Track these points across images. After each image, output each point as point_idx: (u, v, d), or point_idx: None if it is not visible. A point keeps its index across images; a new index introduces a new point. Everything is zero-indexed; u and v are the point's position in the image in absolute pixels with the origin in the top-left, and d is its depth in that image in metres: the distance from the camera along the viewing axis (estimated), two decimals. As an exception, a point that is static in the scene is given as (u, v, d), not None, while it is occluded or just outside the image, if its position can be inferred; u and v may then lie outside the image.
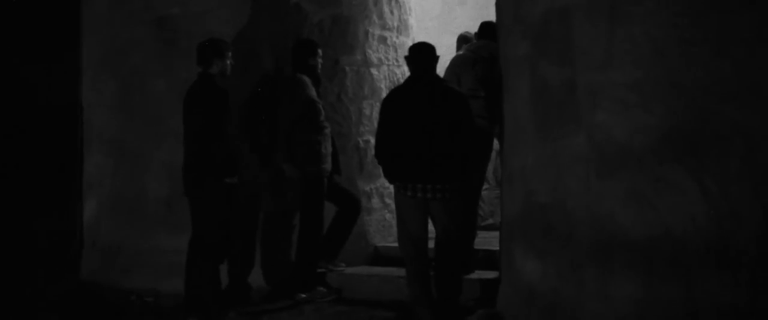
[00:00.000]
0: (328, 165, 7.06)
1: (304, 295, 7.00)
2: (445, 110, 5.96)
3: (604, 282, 4.95)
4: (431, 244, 6.23)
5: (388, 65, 7.87)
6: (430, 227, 6.31)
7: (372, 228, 7.78)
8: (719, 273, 4.52)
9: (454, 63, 7.11)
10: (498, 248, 6.56)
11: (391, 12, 7.97)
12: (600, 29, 4.99)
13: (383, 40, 7.87)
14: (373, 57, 7.82)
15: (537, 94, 5.45)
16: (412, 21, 8.32)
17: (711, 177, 4.55)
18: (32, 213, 9.82)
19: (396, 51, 7.97)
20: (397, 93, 6.19)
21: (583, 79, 5.09)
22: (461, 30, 8.41)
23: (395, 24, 8.01)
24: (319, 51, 7.23)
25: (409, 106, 6.01)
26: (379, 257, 7.68)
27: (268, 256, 7.27)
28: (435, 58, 6.15)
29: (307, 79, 7.05)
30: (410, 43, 8.12)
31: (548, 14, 5.33)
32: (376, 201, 7.82)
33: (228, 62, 6.79)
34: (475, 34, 7.40)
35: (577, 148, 5.12)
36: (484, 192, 8.04)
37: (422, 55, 6.13)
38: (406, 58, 6.31)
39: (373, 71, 7.81)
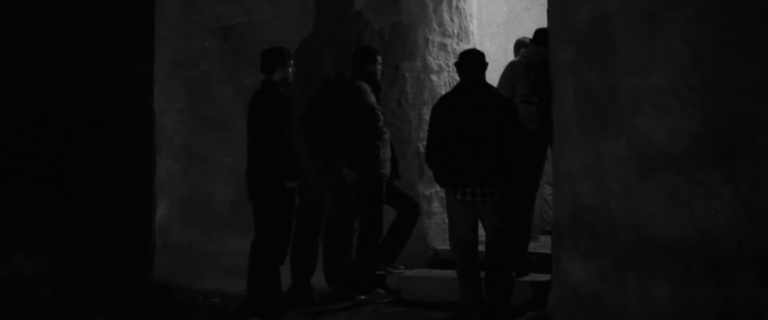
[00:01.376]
0: (386, 170, 7.32)
1: (363, 297, 7.26)
2: (493, 116, 6.16)
3: (643, 283, 5.13)
4: (482, 247, 6.42)
5: (449, 71, 8.07)
6: (481, 230, 6.50)
7: (432, 231, 7.99)
8: (754, 274, 4.66)
9: (509, 69, 7.31)
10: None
11: (452, 19, 8.19)
12: (640, 35, 5.16)
13: (443, 46, 8.10)
14: (433, 63, 8.04)
15: (581, 99, 5.63)
16: (473, 28, 8.52)
17: (745, 180, 4.69)
18: (112, 213, 10.34)
19: (456, 57, 8.18)
20: (447, 99, 6.42)
21: (624, 84, 5.26)
22: (527, 36, 8.58)
23: (455, 31, 8.22)
24: (379, 58, 7.48)
25: (457, 112, 6.23)
26: (439, 260, 7.87)
27: (329, 259, 7.53)
28: (483, 65, 6.35)
29: (366, 86, 7.31)
30: (472, 50, 8.37)
31: (591, 21, 5.51)
32: (436, 205, 8.02)
33: (290, 70, 7.09)
34: (530, 40, 7.57)
35: (618, 151, 5.29)
36: (548, 197, 8.18)
37: (471, 62, 6.34)
38: (455, 64, 6.53)
39: (433, 77, 8.04)
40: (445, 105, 6.38)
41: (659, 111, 5.05)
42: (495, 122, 6.17)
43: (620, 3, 5.30)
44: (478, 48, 8.90)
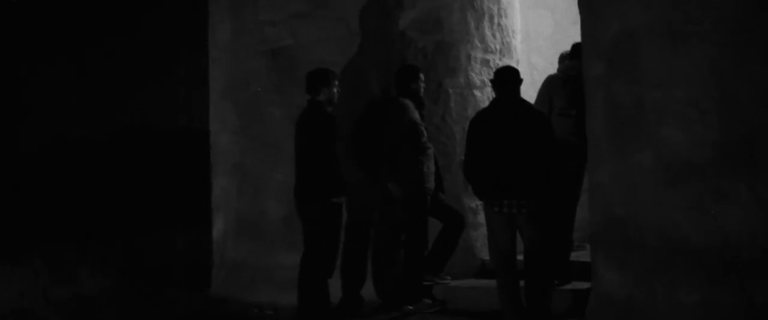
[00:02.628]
0: (431, 184, 7.62)
1: (410, 307, 7.56)
2: (527, 130, 6.45)
3: (670, 288, 5.37)
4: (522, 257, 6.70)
5: (491, 87, 8.35)
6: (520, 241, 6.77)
7: (478, 242, 8.26)
8: (774, 279, 4.90)
9: (546, 83, 7.58)
10: (593, 260, 6.97)
11: (494, 36, 8.49)
12: (663, 49, 5.41)
13: (486, 62, 8.39)
14: (476, 79, 8.34)
15: (610, 112, 5.88)
16: (515, 43, 8.81)
17: (764, 185, 4.93)
18: (174, 230, 10.78)
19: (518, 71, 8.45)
20: (483, 114, 6.72)
21: (649, 96, 5.51)
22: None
23: (498, 47, 8.52)
24: (421, 75, 7.81)
25: (493, 126, 6.53)
26: (485, 270, 8.11)
27: (378, 270, 7.84)
28: (518, 81, 6.65)
29: (409, 103, 7.63)
30: (514, 65, 8.64)
31: (618, 36, 5.77)
32: (481, 217, 8.20)
33: (335, 90, 7.44)
34: (568, 54, 7.84)
35: (645, 162, 5.53)
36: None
37: (506, 78, 6.64)
38: (491, 81, 6.83)
39: (476, 93, 8.33)
40: (481, 120, 6.68)
41: (681, 122, 5.30)
42: (529, 136, 6.46)
43: (644, 19, 5.56)
44: (525, 62, 9.28)
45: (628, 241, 5.74)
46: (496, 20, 8.53)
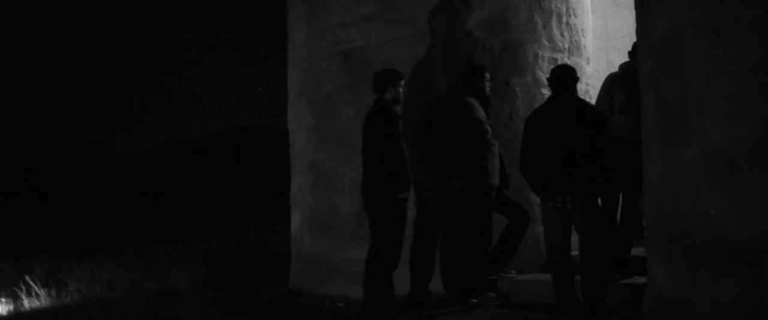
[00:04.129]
0: (495, 180, 7.82)
1: (475, 300, 7.78)
2: (582, 127, 6.61)
3: (713, 283, 5.46)
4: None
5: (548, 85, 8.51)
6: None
7: (543, 237, 8.40)
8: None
9: (607, 81, 7.71)
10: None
11: (562, 34, 8.63)
12: (705, 46, 5.51)
13: (554, 61, 8.53)
14: (543, 78, 8.49)
15: (659, 109, 6.00)
16: (585, 42, 8.92)
17: (802, 181, 5.02)
18: (255, 226, 11.22)
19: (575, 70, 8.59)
20: (539, 112, 6.90)
21: (693, 93, 5.61)
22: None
23: (566, 46, 8.66)
24: (487, 75, 8.01)
25: (549, 123, 6.71)
26: (551, 265, 8.28)
27: (445, 265, 8.07)
28: (574, 79, 6.80)
29: (475, 102, 7.85)
30: (583, 64, 8.80)
31: (665, 35, 5.89)
32: (548, 213, 8.44)
33: (400, 89, 7.71)
34: (629, 52, 7.94)
35: (690, 157, 5.64)
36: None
37: (562, 76, 6.80)
38: (548, 79, 7.00)
39: (544, 91, 8.48)
40: (537, 117, 6.87)
41: (723, 117, 5.39)
42: (584, 133, 6.62)
43: (689, 16, 5.67)
44: (603, 60, 9.40)
45: (673, 235, 5.86)
46: (564, 19, 8.67)
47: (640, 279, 7.20)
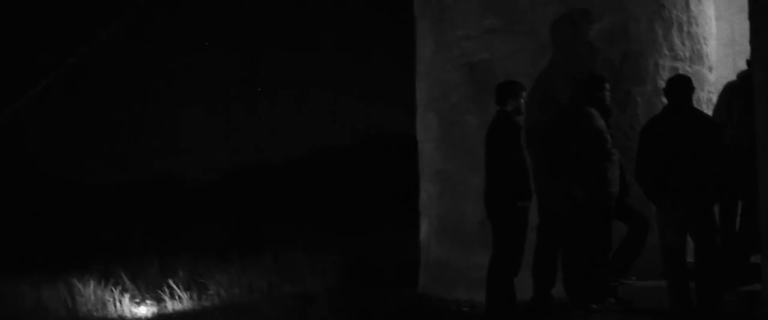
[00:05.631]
0: (615, 189, 8.08)
1: (596, 306, 8.05)
2: (698, 136, 6.85)
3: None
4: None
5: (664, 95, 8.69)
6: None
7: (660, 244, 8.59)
8: None
9: (725, 89, 7.90)
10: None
11: (683, 43, 8.83)
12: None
13: (674, 70, 8.72)
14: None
15: (768, 117, 6.23)
16: (707, 50, 9.09)
17: None
18: (392, 233, 11.69)
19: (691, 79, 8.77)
20: (655, 121, 7.16)
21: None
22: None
23: (687, 54, 8.85)
24: (607, 85, 8.28)
25: (665, 132, 6.97)
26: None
27: (567, 271, 8.35)
28: (690, 89, 7.04)
29: (595, 111, 8.13)
30: (705, 72, 8.97)
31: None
32: (670, 220, 8.63)
33: (521, 100, 8.07)
34: (747, 60, 8.08)
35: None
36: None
37: (677, 86, 7.05)
38: (663, 89, 7.24)
39: (665, 100, 8.64)
40: (653, 127, 7.13)
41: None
42: (699, 141, 6.86)
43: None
44: (730, 67, 9.53)
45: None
46: (685, 28, 8.86)
47: (758, 287, 7.36)
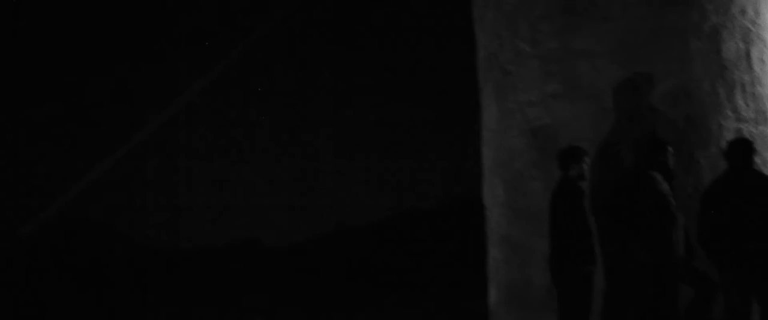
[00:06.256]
0: (680, 252, 8.09)
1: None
2: (760, 197, 6.88)
3: None
4: None
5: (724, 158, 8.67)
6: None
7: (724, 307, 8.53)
8: None
9: None
10: None
11: (746, 104, 8.84)
12: None
13: (739, 132, 8.71)
14: (728, 148, 8.70)
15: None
16: (772, 110, 9.09)
17: None
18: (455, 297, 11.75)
19: (753, 141, 8.75)
20: (717, 184, 7.21)
21: None
22: None
23: (751, 116, 8.85)
24: (670, 148, 8.33)
25: (728, 195, 7.02)
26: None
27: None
28: (751, 151, 7.10)
29: (658, 175, 8.18)
30: (769, 133, 8.97)
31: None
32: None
33: (584, 166, 8.19)
34: None
35: None
36: None
37: (738, 148, 7.11)
38: (724, 152, 7.28)
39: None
40: (715, 189, 7.18)
41: None
42: (763, 203, 6.88)
43: None
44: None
45: None
46: (748, 89, 8.88)
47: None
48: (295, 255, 25.93)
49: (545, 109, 9.25)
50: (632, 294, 8.39)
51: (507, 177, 9.66)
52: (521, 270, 9.44)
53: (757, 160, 8.16)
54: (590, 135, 8.83)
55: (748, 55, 9.06)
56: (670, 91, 8.83)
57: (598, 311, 8.34)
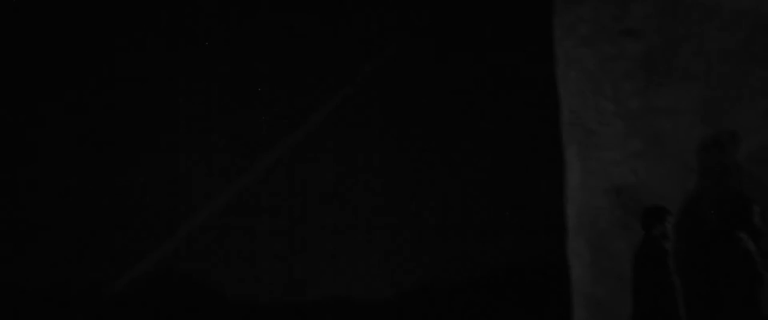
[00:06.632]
0: (766, 312, 7.96)
1: None
2: None
3: None
4: None
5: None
6: None
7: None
8: None
9: None
10: None
11: (835, 157, 8.71)
12: None
13: (829, 186, 8.61)
14: (819, 205, 8.57)
15: None
16: None
17: None
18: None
19: None
20: None
21: None
22: None
23: (837, 173, 8.71)
24: (757, 208, 8.23)
25: None
26: None
27: None
28: None
29: (744, 235, 8.09)
30: None
31: None
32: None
33: (668, 225, 8.14)
34: None
35: None
36: None
37: None
38: None
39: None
40: None
41: None
42: None
43: None
44: None
45: None
46: (833, 147, 8.76)
47: None
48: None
49: (628, 168, 9.23)
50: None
51: (591, 237, 9.63)
52: (605, 331, 9.38)
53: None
54: (674, 193, 8.78)
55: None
56: (755, 148, 8.73)
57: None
